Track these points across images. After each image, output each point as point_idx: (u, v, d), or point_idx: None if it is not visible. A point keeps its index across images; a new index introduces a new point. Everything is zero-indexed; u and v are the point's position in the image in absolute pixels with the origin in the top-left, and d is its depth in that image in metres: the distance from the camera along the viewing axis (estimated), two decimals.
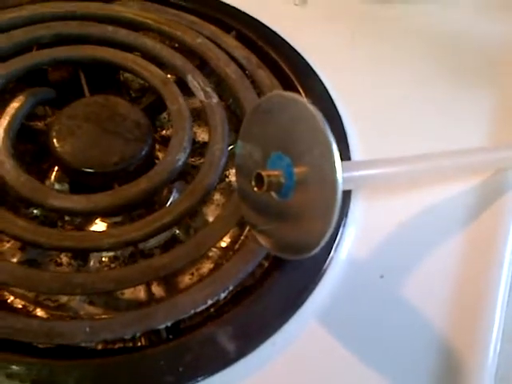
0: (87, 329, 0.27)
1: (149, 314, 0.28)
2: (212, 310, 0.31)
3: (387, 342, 0.30)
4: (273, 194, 0.29)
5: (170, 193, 0.37)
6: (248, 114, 0.30)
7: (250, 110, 0.30)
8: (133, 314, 0.28)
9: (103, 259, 0.34)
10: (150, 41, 0.40)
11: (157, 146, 0.39)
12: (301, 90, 0.40)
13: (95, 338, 0.27)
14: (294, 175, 0.27)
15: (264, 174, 0.27)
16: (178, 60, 0.39)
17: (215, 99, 0.37)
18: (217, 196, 0.38)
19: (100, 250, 0.31)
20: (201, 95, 0.37)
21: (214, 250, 0.35)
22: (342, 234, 0.33)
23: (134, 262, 0.33)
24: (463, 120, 0.40)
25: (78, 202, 0.32)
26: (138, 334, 0.28)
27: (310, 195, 0.27)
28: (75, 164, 0.33)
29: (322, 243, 0.26)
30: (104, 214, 0.34)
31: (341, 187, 0.24)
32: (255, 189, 0.27)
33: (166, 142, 0.38)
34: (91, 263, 0.34)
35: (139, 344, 0.29)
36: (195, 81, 0.37)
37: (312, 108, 0.25)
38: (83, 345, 0.28)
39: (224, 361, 0.28)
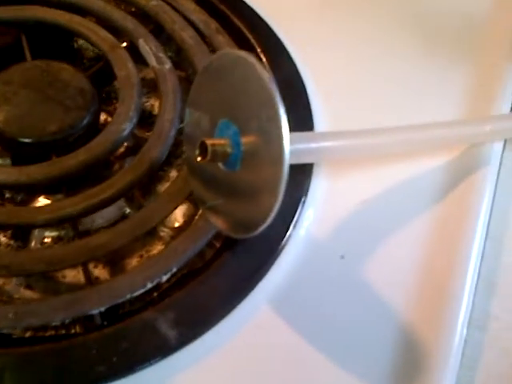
0: (10, 314, 0.25)
1: (81, 299, 0.26)
2: (155, 294, 0.28)
3: (346, 329, 0.28)
4: (219, 165, 0.26)
5: (122, 168, 0.34)
6: (196, 77, 0.28)
7: (198, 73, 0.27)
8: (64, 298, 0.26)
9: (45, 240, 0.31)
10: (100, 2, 0.37)
11: (109, 119, 0.36)
12: (264, 59, 0.37)
13: (19, 324, 0.25)
14: (241, 145, 0.24)
15: (208, 142, 0.25)
16: (129, 23, 0.36)
17: (168, 65, 0.34)
18: (173, 173, 0.35)
19: (32, 226, 0.29)
20: (152, 61, 0.34)
21: (165, 230, 0.32)
22: (300, 211, 0.31)
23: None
24: (436, 95, 0.38)
25: (9, 173, 0.29)
26: (67, 320, 0.25)
27: (258, 166, 0.24)
28: (9, 133, 0.31)
29: (269, 220, 0.23)
30: (42, 189, 0.31)
31: (287, 156, 0.22)
32: (198, 159, 0.25)
33: None
34: (32, 243, 0.31)
35: (73, 331, 0.27)
36: (147, 46, 0.35)
37: (259, 66, 0.23)
38: (6, 331, 0.25)
39: (163, 349, 0.25)
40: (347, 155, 0.30)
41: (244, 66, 0.24)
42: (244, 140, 0.24)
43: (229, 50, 0.30)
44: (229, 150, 0.25)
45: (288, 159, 0.22)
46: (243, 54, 0.24)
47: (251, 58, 0.24)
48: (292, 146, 0.22)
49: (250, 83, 0.24)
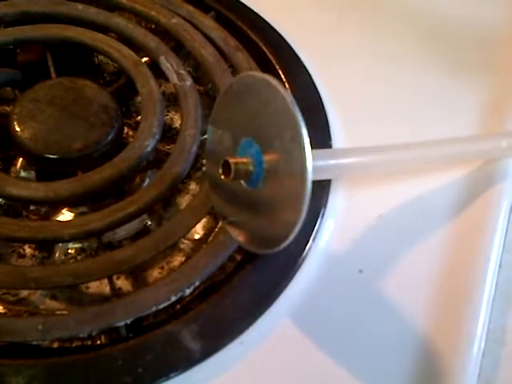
0: (40, 326, 0.25)
1: (107, 311, 0.26)
2: (178, 306, 0.29)
3: (365, 341, 0.28)
4: (242, 182, 0.27)
5: (143, 182, 0.35)
6: (219, 97, 0.28)
7: (221, 93, 0.28)
8: (90, 311, 0.26)
9: (69, 251, 0.32)
10: (122, 20, 0.38)
11: (130, 133, 0.37)
12: (282, 76, 0.38)
13: (48, 335, 0.25)
14: (264, 163, 0.25)
15: (231, 161, 0.25)
16: (150, 41, 0.36)
17: (189, 82, 0.35)
18: (192, 186, 0.36)
19: (59, 240, 0.29)
20: (174, 78, 0.35)
21: (186, 242, 0.33)
22: (319, 226, 0.31)
23: (104, 253, 0.31)
24: (453, 109, 0.38)
25: (36, 189, 0.30)
26: (94, 332, 0.26)
27: (280, 184, 0.25)
28: (36, 150, 0.31)
29: (292, 237, 0.24)
30: (66, 203, 0.32)
31: (310, 175, 0.22)
32: (222, 177, 0.25)
33: None
34: (56, 255, 0.32)
35: (98, 342, 0.27)
36: (168, 63, 0.35)
37: (281, 89, 0.23)
38: (35, 343, 0.26)
39: (187, 361, 0.26)
40: (365, 171, 0.30)
41: (267, 88, 0.25)
42: (266, 158, 0.25)
43: (251, 72, 0.31)
44: (251, 168, 0.25)
45: (311, 178, 0.22)
46: (266, 76, 0.25)
47: (274, 81, 0.24)
48: (313, 163, 0.23)
49: (272, 104, 0.24)
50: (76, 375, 0.25)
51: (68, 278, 0.27)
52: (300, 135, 0.22)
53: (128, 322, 0.26)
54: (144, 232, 0.33)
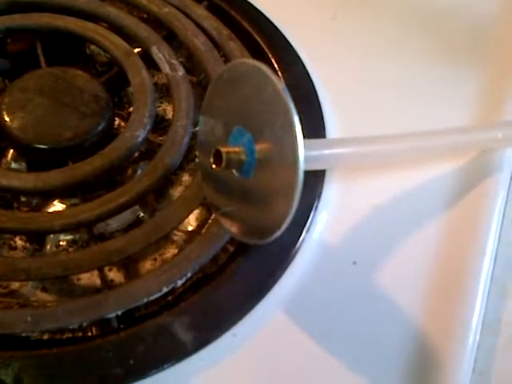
0: (29, 318, 0.25)
1: (98, 302, 0.26)
2: (170, 297, 0.28)
3: (359, 333, 0.28)
4: (234, 172, 0.26)
5: (135, 173, 0.35)
6: (210, 85, 0.28)
7: (212, 81, 0.28)
8: (80, 302, 0.26)
9: (61, 243, 0.32)
10: (113, 10, 0.37)
11: (122, 124, 0.37)
12: (275, 65, 0.37)
13: (37, 327, 0.25)
14: (256, 152, 0.25)
15: (223, 150, 0.25)
16: (142, 30, 0.36)
17: (181, 72, 0.34)
18: (185, 177, 0.35)
19: (50, 232, 0.29)
20: (166, 68, 0.34)
21: (178, 233, 0.32)
22: (313, 217, 0.31)
23: (95, 244, 0.31)
24: (448, 100, 0.38)
25: (26, 180, 0.29)
26: (85, 324, 0.26)
27: (272, 174, 0.25)
28: (26, 139, 0.31)
29: (284, 227, 0.24)
30: (57, 194, 0.31)
31: (302, 164, 0.22)
32: (213, 166, 0.25)
33: None
34: (48, 247, 0.32)
35: (89, 334, 0.27)
36: (160, 53, 0.35)
37: (272, 76, 0.23)
38: (24, 335, 0.26)
39: (179, 353, 0.26)
40: (360, 162, 0.30)
41: (258, 75, 0.24)
42: (258, 147, 0.25)
43: (242, 60, 0.30)
44: (243, 157, 0.25)
45: (303, 166, 0.22)
46: (257, 63, 0.25)
47: (265, 68, 0.24)
48: (306, 152, 0.23)
49: (264, 92, 0.24)
50: (67, 367, 0.25)
51: (58, 270, 0.27)
52: (291, 123, 0.22)
53: (119, 313, 0.26)
54: (136, 223, 0.33)
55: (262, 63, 0.25)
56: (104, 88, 0.34)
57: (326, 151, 0.28)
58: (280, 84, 0.23)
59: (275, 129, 0.23)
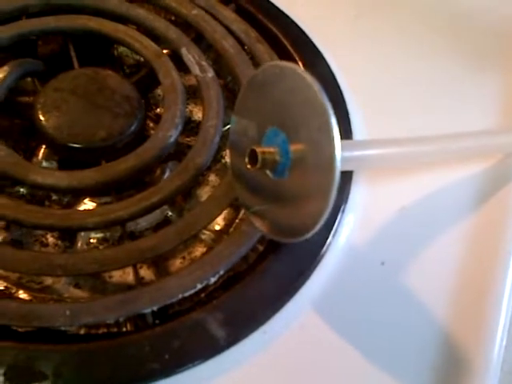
0: (67, 312, 0.26)
1: (134, 298, 0.27)
2: (202, 295, 0.29)
3: (387, 333, 0.29)
4: (268, 172, 0.27)
5: (163, 173, 0.35)
6: (243, 87, 0.28)
7: (245, 83, 0.28)
8: (117, 298, 0.27)
9: (91, 240, 0.33)
10: (143, 12, 0.38)
11: (151, 125, 0.37)
12: (301, 67, 0.38)
13: (75, 321, 0.26)
14: (290, 152, 0.25)
15: (258, 150, 0.25)
16: (172, 32, 0.37)
17: (211, 74, 0.35)
18: (212, 177, 0.36)
19: (84, 228, 0.30)
20: (195, 69, 0.35)
21: (207, 232, 0.33)
22: (341, 218, 0.31)
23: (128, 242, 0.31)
24: (471, 102, 0.38)
25: (61, 178, 0.30)
26: (121, 319, 0.26)
27: (306, 174, 0.25)
28: (60, 139, 0.32)
29: (319, 226, 0.24)
30: (89, 192, 0.32)
31: (339, 163, 0.22)
32: (248, 166, 0.26)
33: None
34: (79, 244, 0.32)
35: (124, 329, 0.28)
36: (190, 54, 0.36)
37: (309, 77, 0.23)
38: (63, 329, 0.26)
39: (213, 348, 0.26)
40: (388, 163, 0.31)
41: (293, 76, 0.25)
42: (293, 148, 0.25)
43: (276, 62, 0.31)
44: (278, 158, 0.26)
45: (339, 167, 0.23)
46: (292, 65, 0.25)
47: (300, 69, 0.25)
48: (342, 153, 0.23)
49: (299, 93, 0.25)
50: (104, 360, 0.26)
51: (94, 266, 0.27)
52: (329, 124, 0.22)
53: (155, 308, 0.27)
54: (165, 223, 0.33)
55: (295, 65, 0.25)
56: (135, 88, 0.34)
57: (357, 152, 0.28)
58: (316, 85, 0.23)
59: (311, 129, 0.24)
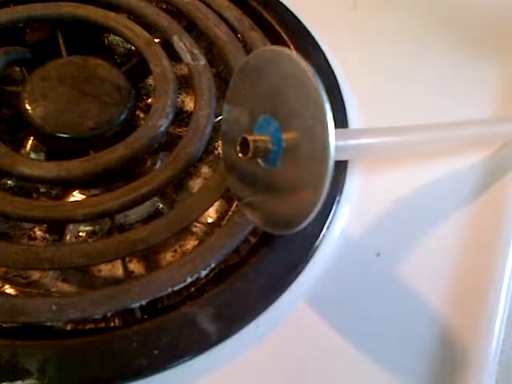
0: (53, 307, 0.25)
1: (122, 292, 0.26)
2: (193, 288, 0.28)
3: (382, 325, 0.28)
4: (260, 161, 0.26)
5: (155, 164, 0.35)
6: (235, 74, 0.28)
7: (236, 70, 0.27)
8: (104, 292, 0.26)
9: (80, 233, 0.32)
10: None
11: (141, 115, 0.37)
12: None
13: (62, 316, 0.25)
14: (283, 141, 0.24)
15: (250, 138, 0.25)
16: (163, 20, 0.36)
17: (203, 62, 0.34)
18: (204, 169, 0.35)
19: (72, 220, 0.29)
20: (187, 57, 0.34)
21: (198, 225, 0.32)
22: (336, 208, 0.31)
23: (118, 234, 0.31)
24: (471, 90, 0.38)
25: (48, 168, 0.29)
26: (109, 314, 0.26)
27: (299, 163, 0.24)
28: (48, 128, 0.31)
29: (312, 216, 0.23)
30: (78, 183, 0.31)
31: (333, 152, 0.22)
32: (240, 155, 0.25)
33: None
34: (67, 238, 0.32)
35: (112, 324, 0.27)
36: (181, 42, 0.35)
37: (302, 62, 0.23)
38: (49, 324, 0.26)
39: (203, 344, 0.26)
40: (384, 152, 0.30)
41: (286, 61, 0.24)
42: (285, 136, 0.24)
43: (269, 46, 0.30)
44: (270, 146, 0.25)
45: (334, 156, 0.22)
46: (285, 49, 0.24)
47: (294, 54, 0.24)
48: (336, 142, 0.22)
49: (292, 79, 0.24)
50: (91, 357, 0.25)
51: (82, 259, 0.27)
52: (322, 111, 0.22)
53: (143, 302, 0.26)
54: (156, 215, 0.33)
55: (289, 49, 0.24)
56: (125, 77, 0.33)
57: (352, 141, 0.27)
58: (310, 70, 0.22)
59: (304, 117, 0.23)
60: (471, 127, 0.32)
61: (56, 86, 0.32)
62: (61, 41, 0.35)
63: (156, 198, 0.33)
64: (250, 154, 0.24)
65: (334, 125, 0.22)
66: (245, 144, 0.25)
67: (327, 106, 0.22)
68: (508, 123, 0.33)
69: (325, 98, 0.22)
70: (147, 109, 0.37)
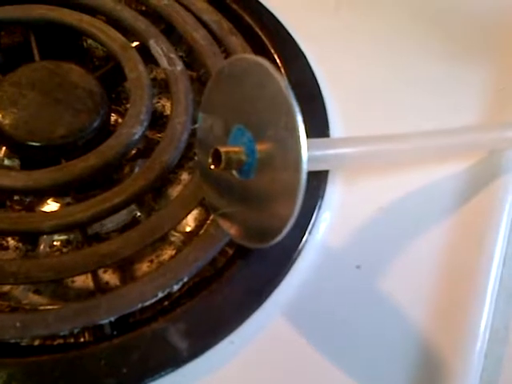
0: (17, 324, 0.24)
1: (90, 308, 0.25)
2: (166, 303, 0.27)
3: (362, 340, 0.27)
4: (234, 173, 0.25)
5: (133, 171, 0.34)
6: (210, 81, 0.27)
7: (211, 77, 0.27)
8: (72, 307, 0.25)
9: (54, 243, 0.31)
10: (110, 2, 0.36)
11: (119, 120, 0.36)
12: (278, 61, 0.36)
13: (26, 333, 0.24)
14: (257, 152, 0.24)
15: (222, 150, 0.24)
16: (140, 23, 0.35)
17: (180, 67, 0.33)
18: (184, 176, 0.34)
19: (40, 233, 0.28)
20: (164, 62, 0.33)
21: (176, 234, 0.31)
22: (315, 219, 0.30)
23: (89, 246, 0.30)
24: (455, 98, 0.37)
25: (16, 178, 0.28)
26: (76, 330, 0.25)
27: (273, 175, 0.23)
28: (18, 137, 0.30)
29: (285, 231, 0.23)
30: (48, 193, 0.30)
31: (305, 165, 0.21)
32: (212, 166, 0.24)
33: None
34: (41, 247, 0.31)
35: (82, 340, 0.26)
36: (158, 46, 0.34)
37: (275, 73, 0.22)
38: (13, 341, 0.25)
39: (174, 361, 0.25)
40: (364, 162, 0.29)
41: (260, 72, 0.23)
42: (259, 147, 0.24)
43: (244, 55, 0.29)
44: (243, 157, 0.24)
45: (306, 167, 0.21)
46: (259, 59, 0.23)
47: (267, 64, 0.23)
48: (309, 152, 0.22)
49: (265, 89, 0.23)
50: (57, 375, 0.24)
51: (49, 273, 0.26)
52: (294, 122, 0.21)
53: (112, 319, 0.25)
54: (133, 224, 0.32)
55: (265, 59, 0.23)
56: (99, 83, 0.32)
57: (330, 151, 0.26)
58: (283, 82, 0.22)
59: (277, 128, 0.22)
60: (454, 136, 0.31)
61: (27, 93, 0.31)
62: (34, 44, 0.34)
63: (133, 207, 0.32)
64: (222, 166, 0.24)
65: (306, 137, 0.21)
66: (217, 155, 0.24)
67: (299, 118, 0.21)
68: (492, 131, 0.33)
69: (297, 109, 0.21)
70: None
